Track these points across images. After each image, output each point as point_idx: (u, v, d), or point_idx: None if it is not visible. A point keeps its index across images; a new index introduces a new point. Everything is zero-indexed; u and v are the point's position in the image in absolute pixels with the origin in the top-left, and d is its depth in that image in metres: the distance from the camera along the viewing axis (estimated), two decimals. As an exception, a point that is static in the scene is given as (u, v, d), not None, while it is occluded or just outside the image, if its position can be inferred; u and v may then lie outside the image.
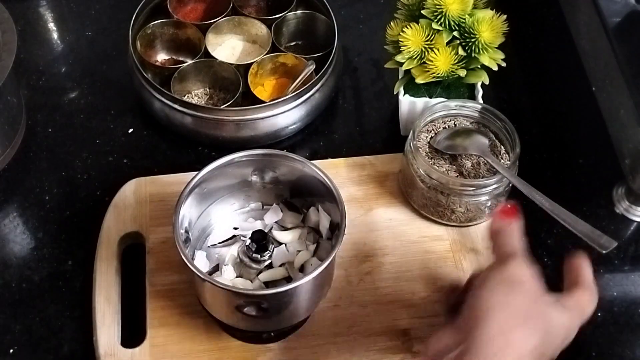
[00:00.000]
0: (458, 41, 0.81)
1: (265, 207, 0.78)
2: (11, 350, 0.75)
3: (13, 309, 0.78)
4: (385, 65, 0.86)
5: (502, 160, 0.80)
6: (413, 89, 0.86)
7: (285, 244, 0.75)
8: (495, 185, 0.78)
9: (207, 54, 0.92)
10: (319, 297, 0.73)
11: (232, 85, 0.91)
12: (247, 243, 0.72)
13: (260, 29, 0.95)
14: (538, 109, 0.96)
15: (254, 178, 0.75)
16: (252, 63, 0.91)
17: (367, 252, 0.81)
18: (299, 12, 0.97)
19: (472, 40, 0.80)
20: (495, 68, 0.82)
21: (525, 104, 0.97)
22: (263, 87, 0.94)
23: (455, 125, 0.83)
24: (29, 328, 0.77)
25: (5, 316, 0.77)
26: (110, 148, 0.90)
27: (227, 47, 0.97)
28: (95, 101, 0.95)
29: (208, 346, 0.74)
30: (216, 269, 0.74)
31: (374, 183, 0.86)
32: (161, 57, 0.97)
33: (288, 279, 0.74)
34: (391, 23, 0.85)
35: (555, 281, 0.81)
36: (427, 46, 0.81)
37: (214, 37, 0.95)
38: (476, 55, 0.81)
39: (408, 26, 0.81)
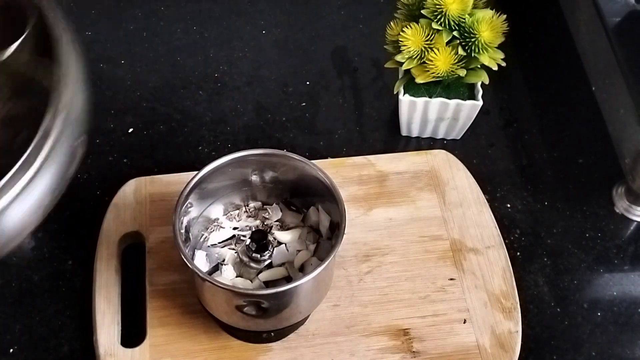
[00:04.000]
0: (458, 41, 0.81)
1: (265, 206, 0.78)
2: (11, 350, 0.75)
3: (13, 309, 0.78)
4: (385, 65, 0.86)
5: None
6: (413, 88, 0.86)
7: (285, 244, 0.75)
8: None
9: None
10: (319, 297, 0.73)
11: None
12: (247, 243, 0.72)
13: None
14: (538, 109, 0.96)
15: (254, 178, 0.75)
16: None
17: (367, 252, 0.81)
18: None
19: (472, 40, 0.80)
20: (495, 68, 0.82)
21: (525, 104, 0.97)
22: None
23: None
24: (29, 328, 0.77)
25: (5, 316, 0.77)
26: (110, 148, 0.90)
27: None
28: (95, 101, 0.95)
29: (208, 346, 0.74)
30: (216, 268, 0.74)
31: (374, 183, 0.86)
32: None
33: (288, 279, 0.74)
34: (391, 23, 0.85)
35: (556, 282, 0.81)
36: (427, 46, 0.81)
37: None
38: (476, 55, 0.81)
39: (408, 26, 0.81)
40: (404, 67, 0.83)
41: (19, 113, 0.53)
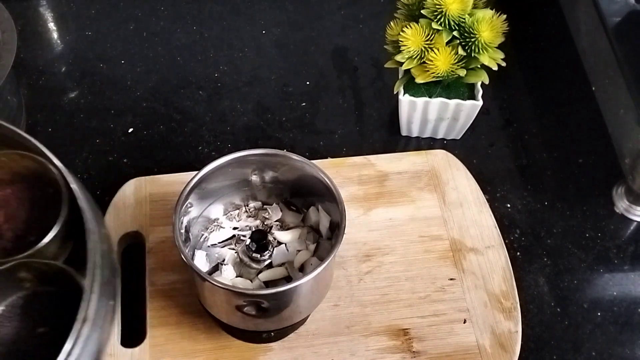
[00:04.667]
0: (458, 41, 0.81)
1: (265, 206, 0.78)
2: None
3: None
4: (385, 65, 0.86)
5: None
6: (413, 88, 0.86)
7: (285, 244, 0.75)
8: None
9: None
10: (319, 297, 0.73)
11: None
12: (247, 243, 0.72)
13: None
14: (538, 109, 0.96)
15: (254, 177, 0.75)
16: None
17: (367, 252, 0.81)
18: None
19: (472, 40, 0.80)
20: (495, 68, 0.82)
21: (525, 104, 0.97)
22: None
23: None
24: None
25: (5, 316, 0.77)
26: (110, 148, 0.90)
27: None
28: (95, 101, 0.95)
29: (208, 346, 0.74)
30: (216, 268, 0.74)
31: (374, 183, 0.86)
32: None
33: (288, 279, 0.74)
34: (391, 23, 0.85)
35: (555, 282, 0.81)
36: (427, 46, 0.81)
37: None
38: (476, 55, 0.81)
39: (408, 26, 0.81)
40: (404, 67, 0.83)
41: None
